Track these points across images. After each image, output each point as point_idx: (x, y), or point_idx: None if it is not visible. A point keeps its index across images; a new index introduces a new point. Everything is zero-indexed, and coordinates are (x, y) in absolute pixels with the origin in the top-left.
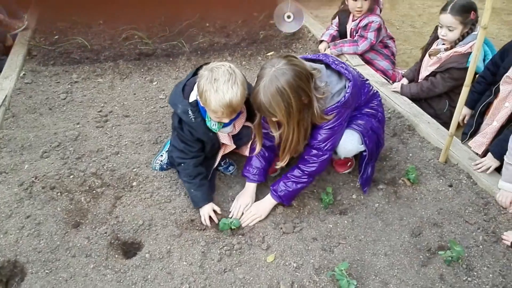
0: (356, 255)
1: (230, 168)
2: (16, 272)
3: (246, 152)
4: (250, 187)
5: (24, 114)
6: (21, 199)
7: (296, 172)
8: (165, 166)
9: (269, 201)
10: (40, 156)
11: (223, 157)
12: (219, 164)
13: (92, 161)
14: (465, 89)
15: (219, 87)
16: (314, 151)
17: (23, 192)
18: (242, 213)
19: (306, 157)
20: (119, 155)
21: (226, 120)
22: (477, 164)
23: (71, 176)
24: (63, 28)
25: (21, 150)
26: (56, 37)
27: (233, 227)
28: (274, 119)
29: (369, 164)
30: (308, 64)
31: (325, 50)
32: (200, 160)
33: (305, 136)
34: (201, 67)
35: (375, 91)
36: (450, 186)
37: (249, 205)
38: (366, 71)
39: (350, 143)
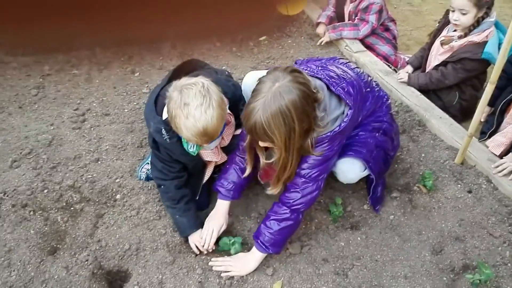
0: (374, 280)
1: None
2: None
3: None
4: (223, 206)
5: None
6: None
7: (276, 207)
8: (151, 176)
9: (252, 256)
10: (9, 166)
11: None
12: (214, 172)
13: (69, 170)
14: (490, 86)
15: (190, 113)
16: (298, 178)
17: None
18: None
19: (287, 184)
20: (99, 162)
21: (205, 144)
22: (497, 167)
23: (45, 191)
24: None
25: None
26: None
27: (233, 252)
28: (265, 144)
29: (378, 185)
30: (312, 82)
31: (324, 34)
32: (182, 181)
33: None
34: (179, 68)
35: (380, 95)
36: (470, 192)
37: (222, 228)
38: (368, 58)
39: (352, 172)
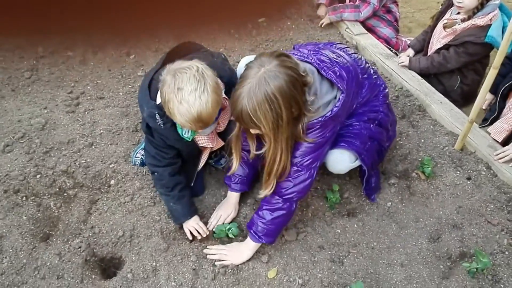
0: (369, 267)
1: (222, 161)
2: None
3: None
4: (233, 197)
5: None
6: None
7: (268, 196)
8: (145, 162)
9: (246, 245)
10: (1, 150)
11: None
12: (209, 157)
13: (62, 155)
14: (492, 72)
15: (183, 98)
16: (289, 167)
17: None
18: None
19: (280, 173)
20: (93, 147)
21: (200, 130)
22: (498, 154)
23: (38, 176)
24: None
25: None
26: None
27: (230, 236)
28: (255, 131)
29: (371, 176)
30: (301, 66)
31: (325, 15)
32: (176, 168)
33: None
34: (174, 51)
35: (377, 84)
36: (469, 179)
37: (231, 216)
38: (369, 41)
39: (341, 163)
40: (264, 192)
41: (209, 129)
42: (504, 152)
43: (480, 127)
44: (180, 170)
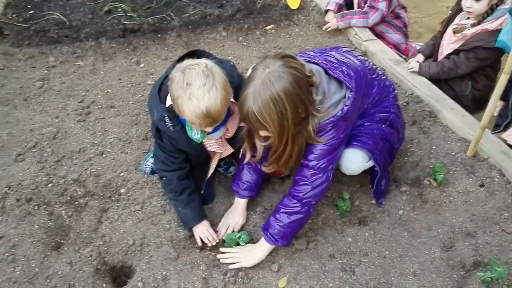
0: (381, 277)
1: (231, 169)
2: None
3: None
4: (240, 204)
5: None
6: None
7: (286, 200)
8: (154, 167)
9: (260, 247)
10: (13, 159)
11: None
12: (218, 165)
13: (74, 164)
14: (504, 77)
15: (192, 93)
16: (306, 170)
17: None
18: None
19: (296, 177)
20: (104, 155)
21: (209, 129)
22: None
23: (50, 185)
24: (38, 1)
25: None
26: (31, 12)
27: (241, 244)
28: (263, 133)
29: (382, 178)
30: (307, 67)
31: (334, 20)
32: (185, 173)
33: (300, 155)
34: (183, 58)
35: (386, 84)
36: (482, 186)
37: (239, 224)
38: (378, 47)
39: (355, 162)
40: (264, 168)
41: (218, 133)
42: None
43: (493, 133)
44: (189, 175)
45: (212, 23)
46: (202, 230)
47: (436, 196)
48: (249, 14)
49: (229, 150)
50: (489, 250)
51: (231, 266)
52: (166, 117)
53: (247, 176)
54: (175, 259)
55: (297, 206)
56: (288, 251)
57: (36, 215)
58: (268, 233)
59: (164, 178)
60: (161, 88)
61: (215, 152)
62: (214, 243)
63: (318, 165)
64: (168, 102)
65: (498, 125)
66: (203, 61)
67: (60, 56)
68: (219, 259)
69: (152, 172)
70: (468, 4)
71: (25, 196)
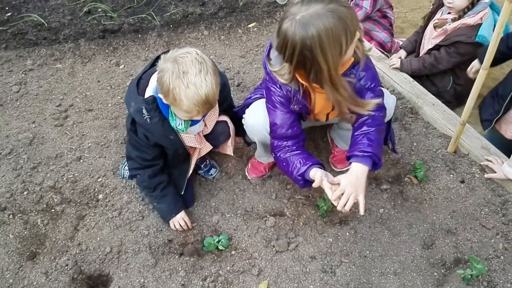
0: (362, 277)
1: (212, 171)
2: None
3: (229, 150)
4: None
5: None
6: None
7: (365, 125)
8: (127, 167)
9: (362, 175)
10: None
11: (203, 158)
12: (198, 167)
13: (50, 170)
14: (482, 73)
15: (190, 81)
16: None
17: None
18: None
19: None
20: (81, 161)
21: (199, 117)
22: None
23: (25, 192)
24: (16, 3)
25: None
26: (9, 14)
27: (220, 248)
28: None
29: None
30: None
31: None
32: (157, 169)
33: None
34: (159, 57)
35: None
36: (462, 182)
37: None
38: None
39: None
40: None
41: (197, 126)
42: (490, 161)
43: (485, 131)
44: (163, 170)
45: (194, 22)
46: (177, 219)
47: (417, 194)
48: (231, 12)
49: (208, 147)
50: (470, 247)
51: (347, 207)
52: (144, 109)
53: (306, 155)
54: (153, 266)
55: (381, 123)
56: (268, 253)
57: (11, 224)
58: (372, 153)
59: (137, 176)
60: (139, 82)
61: (194, 149)
62: (186, 229)
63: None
64: (147, 93)
65: (489, 120)
66: (191, 49)
67: (38, 59)
68: (199, 264)
69: (131, 176)
70: None
71: None
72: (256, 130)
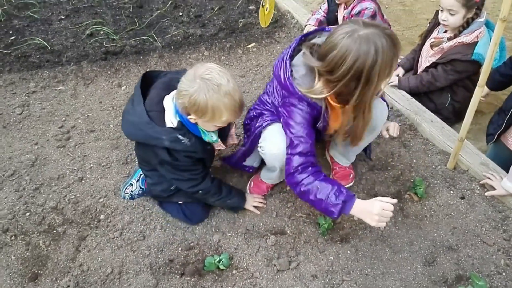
0: None
1: None
2: None
3: (230, 140)
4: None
5: None
6: None
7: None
8: (135, 196)
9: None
10: None
11: None
12: None
13: (52, 191)
14: (478, 90)
15: (226, 91)
16: None
17: None
18: None
19: None
20: (83, 181)
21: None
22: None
23: (28, 213)
24: (20, 26)
25: None
26: (13, 37)
27: (221, 267)
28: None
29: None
30: None
31: None
32: (210, 175)
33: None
34: (142, 82)
35: None
36: (462, 198)
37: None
38: None
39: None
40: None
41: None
42: (489, 178)
43: (489, 146)
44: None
45: (194, 43)
46: (252, 200)
47: (417, 210)
48: (231, 33)
49: (223, 145)
50: (471, 263)
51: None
52: (179, 136)
53: (327, 183)
54: (154, 287)
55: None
56: (269, 272)
57: (13, 246)
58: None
59: (200, 192)
60: (150, 115)
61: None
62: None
63: None
64: (169, 121)
65: (492, 134)
66: (207, 64)
67: (40, 81)
68: (200, 284)
69: (131, 197)
70: (444, 17)
71: (1, 226)
72: (279, 158)
